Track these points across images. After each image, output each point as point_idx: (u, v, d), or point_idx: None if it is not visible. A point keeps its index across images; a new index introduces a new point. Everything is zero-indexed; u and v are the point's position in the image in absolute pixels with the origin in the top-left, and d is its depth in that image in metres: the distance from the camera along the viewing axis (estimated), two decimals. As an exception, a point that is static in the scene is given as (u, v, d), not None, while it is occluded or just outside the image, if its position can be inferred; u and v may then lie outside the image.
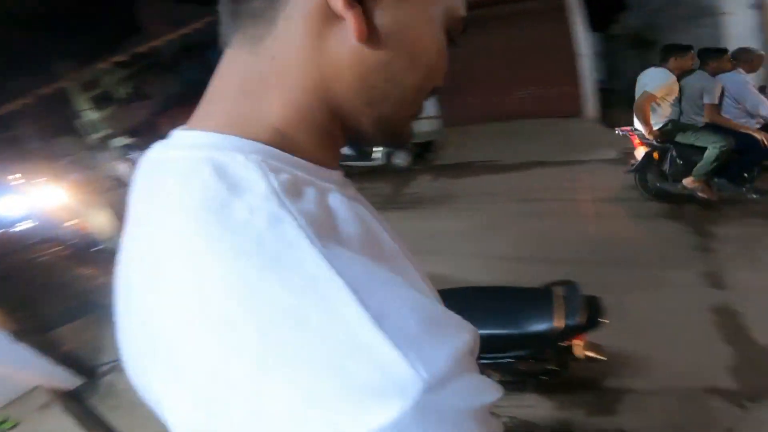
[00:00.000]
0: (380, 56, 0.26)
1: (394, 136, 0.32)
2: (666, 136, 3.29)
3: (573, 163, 4.80)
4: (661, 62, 3.25)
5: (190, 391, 0.20)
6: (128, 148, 18.05)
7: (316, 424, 0.16)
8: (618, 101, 6.75)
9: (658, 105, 3.24)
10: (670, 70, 3.18)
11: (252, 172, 0.22)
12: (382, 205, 5.47)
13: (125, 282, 0.27)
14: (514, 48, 5.99)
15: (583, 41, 5.63)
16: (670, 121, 3.31)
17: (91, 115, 16.45)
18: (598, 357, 1.56)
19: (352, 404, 0.16)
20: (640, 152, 3.46)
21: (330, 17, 0.25)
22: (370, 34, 0.25)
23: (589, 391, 1.94)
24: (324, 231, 0.21)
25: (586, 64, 5.72)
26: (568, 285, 1.48)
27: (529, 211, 3.83)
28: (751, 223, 3.10)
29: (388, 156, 6.36)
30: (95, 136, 17.24)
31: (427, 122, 5.32)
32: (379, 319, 0.18)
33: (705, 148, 3.06)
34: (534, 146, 5.36)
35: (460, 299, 1.56)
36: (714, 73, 3.18)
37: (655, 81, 3.17)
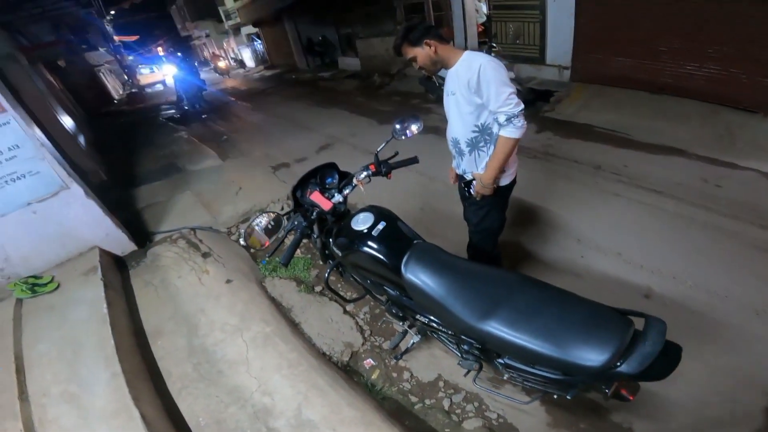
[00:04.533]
0: None
1: None
2: None
3: (722, 163, 3.41)
4: None
5: None
6: (252, 36, 18.99)
7: (506, 88, 1.42)
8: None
9: None
10: None
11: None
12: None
13: None
14: (711, 12, 4.22)
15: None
16: None
17: (229, 3, 17.50)
18: (628, 398, 1.18)
19: (510, 88, 1.44)
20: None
21: None
22: None
23: (589, 418, 1.62)
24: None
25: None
26: (653, 323, 1.07)
27: (644, 202, 2.92)
28: None
29: None
30: (230, 23, 18.46)
31: (550, 69, 4.23)
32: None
33: None
34: (679, 130, 4.00)
35: (521, 292, 1.23)
36: None
37: None
